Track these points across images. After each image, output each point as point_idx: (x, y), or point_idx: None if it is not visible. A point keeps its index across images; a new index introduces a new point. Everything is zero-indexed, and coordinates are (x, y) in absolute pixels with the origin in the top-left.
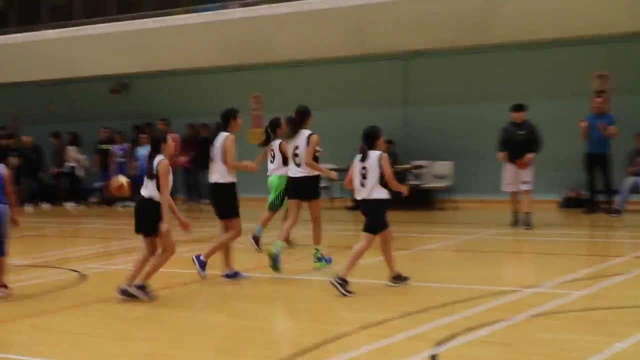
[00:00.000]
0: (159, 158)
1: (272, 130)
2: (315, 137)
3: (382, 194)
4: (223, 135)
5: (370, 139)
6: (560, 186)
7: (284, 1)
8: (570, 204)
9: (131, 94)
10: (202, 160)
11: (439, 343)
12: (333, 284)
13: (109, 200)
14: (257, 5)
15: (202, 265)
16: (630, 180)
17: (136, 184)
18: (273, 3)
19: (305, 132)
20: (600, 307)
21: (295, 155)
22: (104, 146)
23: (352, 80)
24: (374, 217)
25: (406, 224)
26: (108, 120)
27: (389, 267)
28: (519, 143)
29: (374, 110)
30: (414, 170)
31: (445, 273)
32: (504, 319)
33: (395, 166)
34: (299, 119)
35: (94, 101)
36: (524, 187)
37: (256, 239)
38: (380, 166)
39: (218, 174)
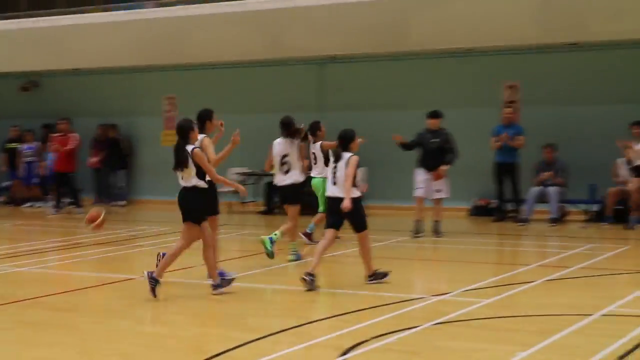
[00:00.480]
0: (190, 147)
1: (312, 133)
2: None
3: (356, 192)
4: (199, 137)
5: (345, 141)
6: (469, 194)
7: (199, 2)
8: (479, 212)
9: (42, 92)
10: (112, 161)
11: (345, 351)
12: (304, 279)
13: (16, 199)
14: (172, 5)
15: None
16: (536, 190)
17: (46, 183)
18: (188, 4)
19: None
20: (506, 315)
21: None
22: (12, 145)
23: (267, 84)
24: (356, 216)
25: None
26: (18, 118)
27: (366, 266)
28: (432, 151)
29: (289, 115)
30: None
31: (355, 280)
32: (411, 327)
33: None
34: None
35: (3, 99)
36: (438, 195)
37: (308, 235)
38: (349, 166)
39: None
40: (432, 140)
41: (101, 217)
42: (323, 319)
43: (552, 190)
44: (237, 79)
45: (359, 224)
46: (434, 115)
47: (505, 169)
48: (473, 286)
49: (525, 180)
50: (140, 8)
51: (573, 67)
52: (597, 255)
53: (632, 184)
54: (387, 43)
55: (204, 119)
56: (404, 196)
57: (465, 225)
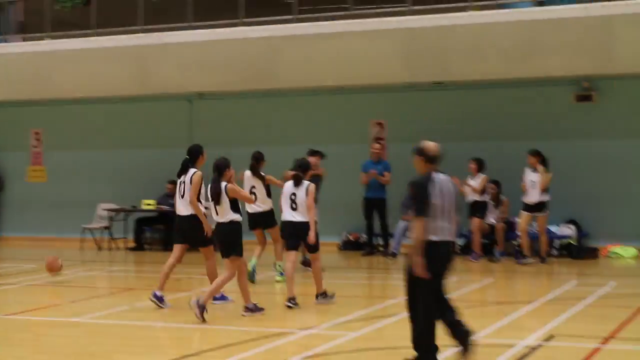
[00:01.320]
0: (224, 184)
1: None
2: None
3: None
4: (191, 171)
5: (303, 170)
6: (340, 229)
7: (67, 37)
8: (349, 246)
9: None
10: None
11: None
12: (289, 306)
13: None
14: (39, 40)
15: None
16: (403, 224)
17: None
18: (56, 39)
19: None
20: (373, 347)
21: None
22: None
23: (136, 120)
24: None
25: (188, 265)
26: None
27: (317, 285)
28: None
29: (159, 150)
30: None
31: (222, 315)
32: None
33: None
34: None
35: None
36: None
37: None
38: (308, 194)
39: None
40: None
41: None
42: (190, 356)
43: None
44: (106, 115)
45: (314, 246)
46: (314, 153)
47: (374, 204)
48: (342, 319)
49: (394, 215)
50: (5, 42)
51: (437, 105)
52: (462, 288)
53: (473, 223)
54: (256, 80)
55: (197, 153)
56: None
57: (336, 260)
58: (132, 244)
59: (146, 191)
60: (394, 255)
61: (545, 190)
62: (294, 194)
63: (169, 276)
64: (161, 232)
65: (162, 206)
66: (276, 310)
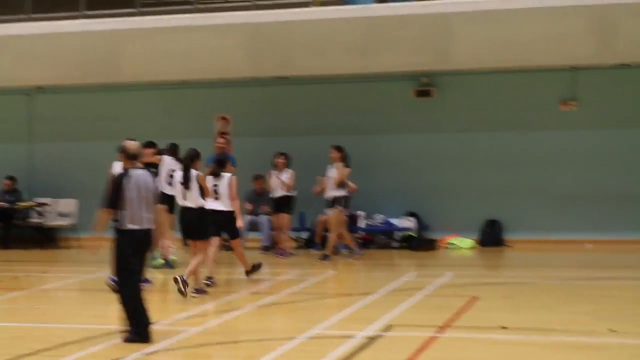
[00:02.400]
0: (195, 172)
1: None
2: None
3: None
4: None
5: (220, 164)
6: None
7: None
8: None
9: None
10: None
11: None
12: (207, 283)
13: None
14: None
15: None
16: (248, 219)
17: None
18: None
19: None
20: (215, 342)
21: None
22: None
23: None
24: (231, 225)
25: (28, 263)
26: None
27: (244, 264)
28: None
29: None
30: (38, 208)
31: (62, 313)
32: (118, 358)
33: (18, 204)
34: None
35: None
36: None
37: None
38: (231, 185)
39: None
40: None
41: None
42: (27, 355)
43: (263, 219)
44: None
45: (235, 232)
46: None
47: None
48: (184, 314)
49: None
50: None
51: (281, 99)
52: (305, 281)
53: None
54: (99, 74)
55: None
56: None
57: (180, 255)
58: None
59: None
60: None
61: (340, 185)
62: (215, 185)
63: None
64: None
65: (0, 202)
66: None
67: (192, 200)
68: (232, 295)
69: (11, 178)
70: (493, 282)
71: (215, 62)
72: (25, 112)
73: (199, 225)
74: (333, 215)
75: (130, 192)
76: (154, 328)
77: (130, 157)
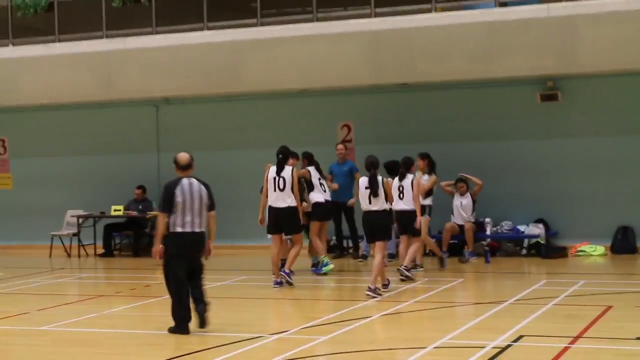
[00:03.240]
0: (380, 177)
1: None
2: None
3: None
4: (288, 168)
5: (407, 167)
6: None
7: (31, 44)
8: None
9: None
10: None
11: None
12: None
13: None
14: (2, 47)
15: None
16: None
17: None
18: (19, 45)
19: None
20: (343, 351)
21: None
22: None
23: (103, 126)
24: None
25: (159, 271)
26: None
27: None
28: None
29: (127, 156)
30: None
31: (194, 321)
32: None
33: (148, 213)
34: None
35: None
36: None
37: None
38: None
39: (288, 199)
40: None
41: None
42: None
43: None
44: (72, 121)
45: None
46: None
47: (342, 207)
48: (311, 323)
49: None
50: None
51: (403, 106)
52: (432, 289)
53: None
54: (222, 84)
55: (287, 155)
56: (247, 235)
57: (305, 262)
58: (101, 250)
59: (114, 197)
60: (364, 257)
61: (428, 194)
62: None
63: (279, 263)
64: (130, 237)
65: (131, 212)
66: (244, 315)
67: (378, 204)
68: (357, 304)
69: (141, 187)
70: (627, 290)
71: (335, 70)
72: (152, 123)
73: (384, 227)
74: (423, 223)
75: (179, 198)
76: (282, 337)
77: (180, 168)
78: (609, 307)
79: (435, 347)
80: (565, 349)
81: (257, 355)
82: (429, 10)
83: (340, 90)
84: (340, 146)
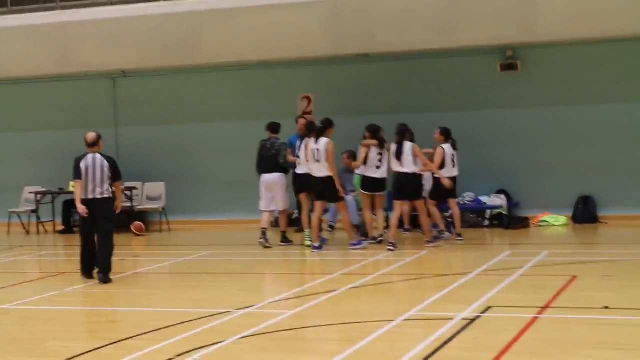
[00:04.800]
0: (409, 144)
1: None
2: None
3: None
4: (324, 140)
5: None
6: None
7: None
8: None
9: None
10: None
11: None
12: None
13: None
14: None
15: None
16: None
17: None
18: None
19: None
20: (312, 325)
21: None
22: None
23: (60, 100)
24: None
25: (120, 247)
26: None
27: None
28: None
29: (85, 130)
30: (127, 192)
31: (157, 297)
32: (217, 342)
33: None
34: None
35: None
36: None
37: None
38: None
39: (323, 169)
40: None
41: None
42: (127, 339)
43: (349, 198)
44: (27, 96)
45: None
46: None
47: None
48: (278, 297)
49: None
50: None
51: (363, 77)
52: (397, 262)
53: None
54: (179, 56)
55: (327, 125)
56: (207, 210)
57: (270, 237)
58: (60, 227)
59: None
60: (331, 228)
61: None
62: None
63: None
64: None
65: None
66: (210, 291)
67: (407, 166)
68: (323, 277)
69: None
70: (590, 260)
71: (295, 40)
72: (110, 97)
73: (414, 188)
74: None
75: (83, 170)
76: (251, 311)
77: (88, 145)
78: (574, 277)
79: (404, 320)
80: (534, 319)
81: (224, 330)
82: None
83: (300, 61)
84: (302, 120)
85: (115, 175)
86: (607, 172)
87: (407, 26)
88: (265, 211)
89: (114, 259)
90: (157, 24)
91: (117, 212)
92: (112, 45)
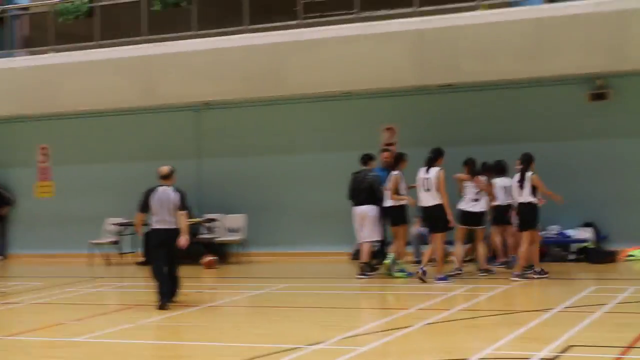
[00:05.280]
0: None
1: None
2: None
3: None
4: (434, 169)
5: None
6: (352, 238)
7: (72, 50)
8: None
9: None
10: None
11: None
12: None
13: None
14: (44, 53)
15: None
16: (416, 231)
17: None
18: (60, 52)
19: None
20: None
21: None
22: None
23: (144, 132)
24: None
25: (198, 279)
26: None
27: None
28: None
29: (168, 162)
30: (207, 224)
31: (230, 331)
32: None
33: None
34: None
35: None
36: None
37: None
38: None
39: (432, 198)
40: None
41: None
42: None
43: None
44: (113, 127)
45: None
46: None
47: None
48: (350, 333)
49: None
50: (11, 56)
51: (448, 108)
52: (476, 297)
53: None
54: (263, 87)
55: (437, 155)
56: (288, 242)
57: (348, 270)
58: (141, 259)
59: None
60: (416, 263)
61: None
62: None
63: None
64: None
65: None
66: (281, 325)
67: (525, 197)
68: (399, 312)
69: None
70: None
71: (379, 71)
72: (193, 128)
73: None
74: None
75: (153, 202)
76: (322, 347)
77: (161, 178)
78: None
79: (480, 359)
80: (617, 359)
81: None
82: (474, 8)
83: (384, 92)
84: (385, 154)
85: (183, 206)
86: None
87: (492, 55)
88: (363, 242)
89: (188, 290)
90: (241, 55)
91: (181, 244)
92: (196, 77)
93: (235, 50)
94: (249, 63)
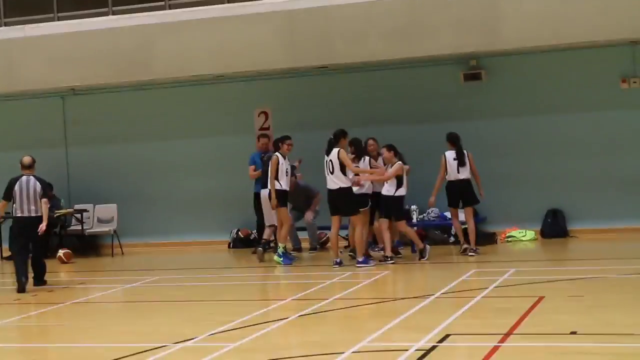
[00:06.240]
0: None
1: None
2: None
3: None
4: (335, 150)
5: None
6: (230, 226)
7: None
8: (239, 244)
9: None
10: None
11: None
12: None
13: None
14: None
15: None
16: (294, 217)
17: None
18: None
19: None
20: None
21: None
22: None
23: (7, 120)
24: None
25: (68, 273)
26: None
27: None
28: None
29: (33, 151)
30: (77, 215)
31: (93, 330)
32: None
33: (56, 211)
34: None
35: None
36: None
37: None
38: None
39: (338, 180)
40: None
41: None
42: None
43: (308, 216)
44: None
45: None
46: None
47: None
48: (221, 328)
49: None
50: None
51: (322, 90)
52: (355, 284)
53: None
54: (130, 72)
55: (339, 136)
56: (162, 232)
57: (225, 259)
58: (7, 253)
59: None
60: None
61: None
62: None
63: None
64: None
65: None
66: (149, 321)
67: (464, 174)
68: (273, 304)
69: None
70: (559, 278)
71: (250, 53)
72: (59, 115)
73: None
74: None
75: (15, 190)
76: (190, 345)
77: (23, 167)
78: (541, 298)
79: (353, 352)
80: (495, 348)
81: None
82: None
83: (256, 75)
84: (263, 140)
85: (43, 194)
86: (577, 184)
87: (365, 36)
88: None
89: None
90: (106, 38)
91: (41, 230)
92: (60, 62)
93: (99, 33)
94: (113, 46)
